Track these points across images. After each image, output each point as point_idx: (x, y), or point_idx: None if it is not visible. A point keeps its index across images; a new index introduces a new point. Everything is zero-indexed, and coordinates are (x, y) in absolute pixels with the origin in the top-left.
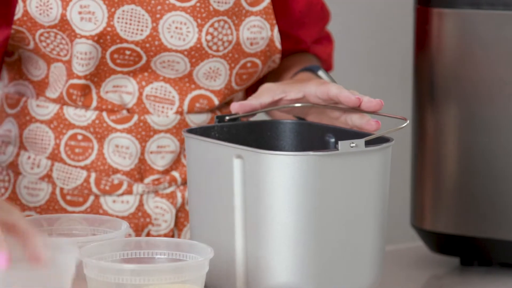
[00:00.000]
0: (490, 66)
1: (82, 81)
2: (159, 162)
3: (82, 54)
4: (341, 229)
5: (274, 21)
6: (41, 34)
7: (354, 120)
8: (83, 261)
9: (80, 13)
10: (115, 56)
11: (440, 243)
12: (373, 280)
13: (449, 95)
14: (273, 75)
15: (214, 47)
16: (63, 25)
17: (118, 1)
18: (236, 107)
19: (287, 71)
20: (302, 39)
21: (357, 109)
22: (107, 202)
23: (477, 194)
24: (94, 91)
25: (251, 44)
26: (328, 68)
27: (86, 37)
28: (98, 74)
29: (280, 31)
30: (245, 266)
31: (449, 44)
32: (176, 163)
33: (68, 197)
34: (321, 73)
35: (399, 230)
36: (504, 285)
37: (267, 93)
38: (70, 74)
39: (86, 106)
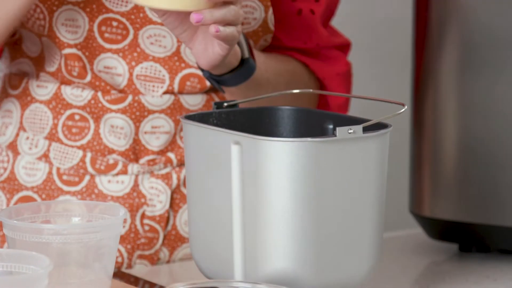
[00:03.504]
0: (491, 52)
1: (73, 50)
2: (154, 142)
3: (70, 21)
4: (339, 215)
5: (269, 3)
6: None
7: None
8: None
9: None
10: (103, 28)
11: (439, 229)
12: (371, 266)
13: (448, 81)
14: None
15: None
16: None
17: None
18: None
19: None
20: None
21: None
22: (102, 182)
23: (475, 181)
24: (88, 66)
25: (242, 23)
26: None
27: (72, 3)
28: (88, 48)
29: (282, 25)
30: (243, 253)
31: (449, 30)
32: (172, 144)
33: (64, 177)
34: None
35: (397, 217)
36: (502, 271)
37: None
38: (61, 45)
39: (82, 78)
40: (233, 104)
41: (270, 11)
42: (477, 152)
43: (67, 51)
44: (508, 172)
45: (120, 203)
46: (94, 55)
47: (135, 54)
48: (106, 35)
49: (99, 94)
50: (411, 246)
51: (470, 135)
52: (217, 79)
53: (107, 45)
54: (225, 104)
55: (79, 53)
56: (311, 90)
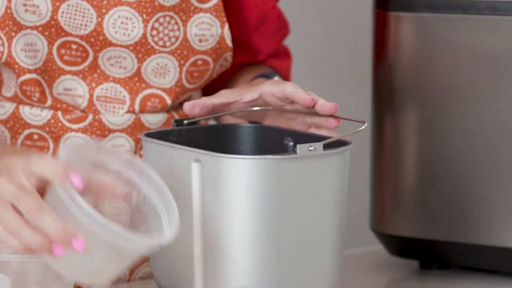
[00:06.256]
0: (448, 70)
1: (33, 76)
2: None
3: (29, 46)
4: (299, 233)
5: (225, 19)
6: None
7: (314, 118)
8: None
9: (24, 5)
10: (62, 51)
11: (399, 246)
12: (332, 284)
13: (408, 99)
14: (229, 84)
15: (160, 42)
16: (5, 20)
17: None
18: (188, 106)
19: (243, 79)
20: (259, 49)
21: (313, 112)
22: None
23: (436, 198)
24: (47, 91)
25: (200, 41)
26: None
27: (31, 28)
28: (48, 72)
29: (235, 40)
30: (203, 271)
31: (408, 48)
32: None
33: None
34: (277, 78)
35: (358, 234)
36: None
37: (223, 95)
38: (20, 71)
39: (42, 103)
40: (194, 121)
41: (226, 26)
42: (437, 169)
43: (27, 76)
44: (468, 189)
45: None
46: (53, 78)
47: (95, 75)
48: (66, 57)
49: (59, 113)
50: (372, 263)
51: (430, 152)
52: None
53: (66, 67)
54: (185, 121)
55: (39, 77)
56: (271, 108)
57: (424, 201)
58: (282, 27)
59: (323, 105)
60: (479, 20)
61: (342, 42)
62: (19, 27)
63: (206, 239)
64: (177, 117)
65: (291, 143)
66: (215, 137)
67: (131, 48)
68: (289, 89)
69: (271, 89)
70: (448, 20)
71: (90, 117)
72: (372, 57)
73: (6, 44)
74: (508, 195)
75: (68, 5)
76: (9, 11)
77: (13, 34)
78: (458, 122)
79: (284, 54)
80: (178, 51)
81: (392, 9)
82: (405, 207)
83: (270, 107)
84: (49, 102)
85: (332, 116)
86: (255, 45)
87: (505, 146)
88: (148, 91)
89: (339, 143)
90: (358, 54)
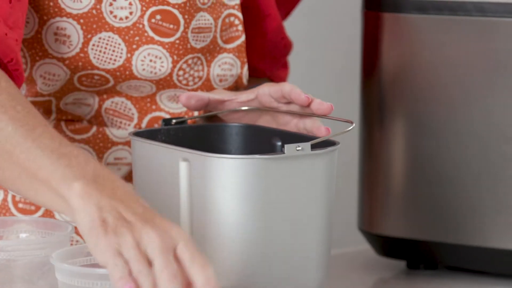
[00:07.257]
0: (437, 70)
1: (45, 99)
2: (115, 173)
3: (51, 75)
4: (287, 232)
5: (245, 59)
6: None
7: (306, 124)
8: (55, 266)
9: (55, 34)
10: (83, 79)
11: (387, 246)
12: (319, 283)
13: (396, 99)
14: None
15: (184, 81)
16: (33, 42)
17: (96, 27)
18: (184, 97)
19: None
20: (261, 69)
21: (305, 112)
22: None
23: (423, 198)
24: (54, 103)
25: (220, 80)
26: None
27: (57, 59)
28: (62, 91)
29: None
30: None
31: (396, 49)
32: (131, 173)
33: (20, 205)
34: None
35: (346, 234)
36: None
37: (219, 92)
38: (33, 93)
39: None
40: (182, 120)
41: (246, 67)
42: (425, 169)
43: (38, 99)
44: (456, 190)
45: (78, 233)
46: (65, 94)
47: (108, 91)
48: (85, 83)
49: (62, 123)
50: (359, 263)
51: (418, 152)
52: None
53: (83, 88)
54: (174, 121)
55: (51, 98)
56: (259, 108)
57: (412, 201)
58: (286, 53)
59: (319, 104)
60: (468, 21)
61: (330, 42)
62: (45, 54)
63: (193, 238)
64: None
65: (279, 143)
66: (203, 137)
67: (154, 82)
68: (287, 87)
69: (268, 89)
70: (436, 21)
71: (94, 128)
72: (360, 57)
73: (29, 65)
74: (496, 195)
75: (100, 38)
76: (39, 35)
77: (37, 58)
78: (448, 123)
79: (282, 65)
80: (199, 89)
81: (380, 9)
82: (393, 207)
83: (260, 108)
84: (53, 116)
85: (321, 116)
86: (257, 67)
87: (495, 147)
88: (157, 113)
89: (327, 143)
90: (346, 55)
